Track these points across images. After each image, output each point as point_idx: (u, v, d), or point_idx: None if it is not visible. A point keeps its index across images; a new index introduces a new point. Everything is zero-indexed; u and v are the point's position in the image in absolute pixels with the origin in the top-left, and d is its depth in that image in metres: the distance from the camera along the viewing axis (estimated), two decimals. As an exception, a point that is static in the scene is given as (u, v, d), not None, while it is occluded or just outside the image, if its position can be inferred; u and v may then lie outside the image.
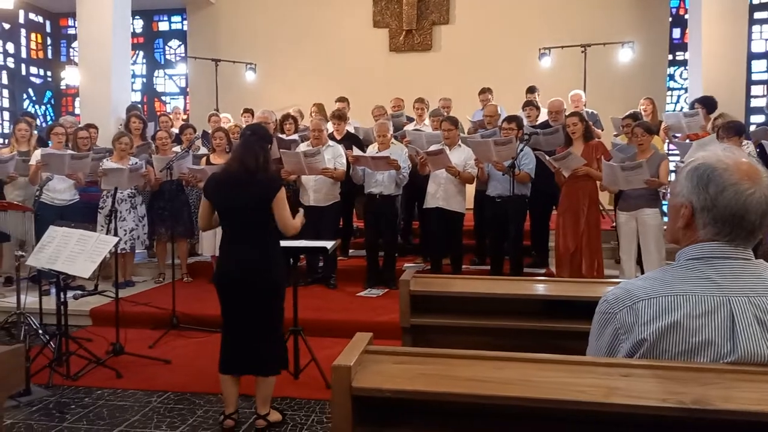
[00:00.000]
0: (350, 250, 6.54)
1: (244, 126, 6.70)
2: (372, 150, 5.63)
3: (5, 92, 9.90)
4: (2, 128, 9.39)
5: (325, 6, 9.56)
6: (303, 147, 5.58)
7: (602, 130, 6.29)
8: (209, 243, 5.78)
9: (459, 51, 9.18)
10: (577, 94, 6.66)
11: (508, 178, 4.92)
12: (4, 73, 9.90)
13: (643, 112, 6.13)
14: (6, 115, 9.83)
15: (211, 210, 3.12)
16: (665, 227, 4.93)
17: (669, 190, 3.94)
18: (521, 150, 4.88)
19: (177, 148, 6.19)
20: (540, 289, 2.59)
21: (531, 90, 6.95)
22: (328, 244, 3.93)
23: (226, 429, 3.07)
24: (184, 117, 8.68)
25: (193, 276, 6.09)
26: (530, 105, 6.16)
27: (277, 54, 9.57)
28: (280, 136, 5.99)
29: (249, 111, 7.12)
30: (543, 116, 6.37)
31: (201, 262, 6.23)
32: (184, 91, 10.71)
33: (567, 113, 5.58)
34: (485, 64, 8.74)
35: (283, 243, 4.08)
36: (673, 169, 5.72)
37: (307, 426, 3.15)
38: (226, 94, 9.12)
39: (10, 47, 10.01)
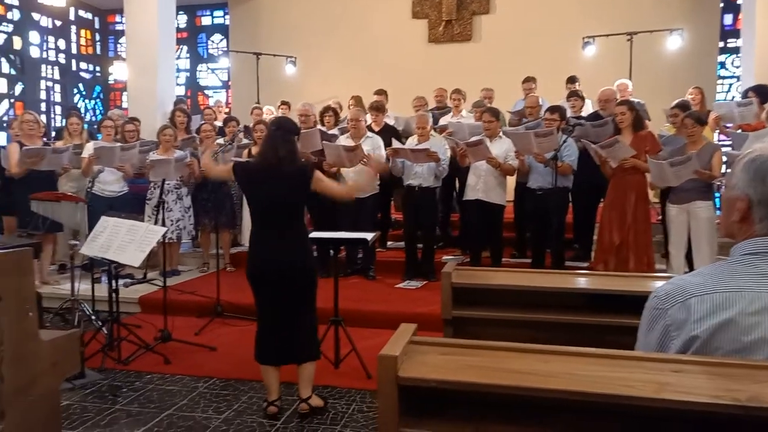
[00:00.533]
0: (388, 242, 6.57)
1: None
2: (411, 142, 5.62)
3: (57, 87, 10.29)
4: (54, 122, 9.76)
5: (365, -3, 9.58)
6: (343, 140, 5.62)
7: (649, 121, 6.11)
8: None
9: (499, 41, 9.06)
10: (624, 83, 6.47)
11: (549, 170, 4.85)
12: (56, 69, 10.28)
13: (691, 102, 5.93)
14: (58, 109, 10.22)
15: (228, 175, 3.30)
16: (718, 221, 4.79)
17: (724, 183, 3.82)
18: (564, 141, 4.79)
19: (220, 141, 6.34)
20: (584, 282, 2.56)
21: (571, 80, 6.79)
22: (369, 236, 3.95)
23: (270, 415, 3.15)
24: (226, 110, 8.86)
25: (236, 266, 6.23)
26: (575, 95, 6.02)
27: (317, 47, 9.65)
28: (321, 128, 6.04)
29: (286, 103, 7.21)
30: (588, 107, 6.24)
31: (243, 252, 6.35)
32: (226, 85, 10.92)
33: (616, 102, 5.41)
34: (526, 54, 8.59)
35: (323, 234, 4.15)
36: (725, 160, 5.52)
37: (348, 415, 3.19)
38: (267, 87, 9.24)
39: (62, 43, 10.39)
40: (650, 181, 4.79)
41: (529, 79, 6.87)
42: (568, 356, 1.38)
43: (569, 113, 5.65)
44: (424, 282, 5.52)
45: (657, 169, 4.55)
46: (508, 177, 5.38)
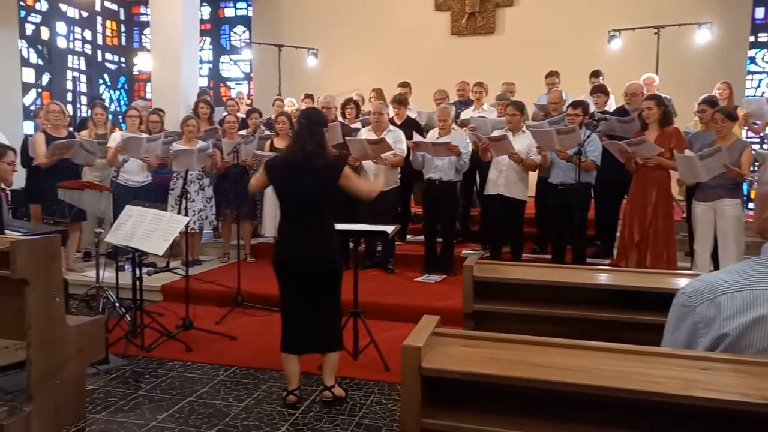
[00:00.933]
0: (408, 236, 6.57)
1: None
2: (432, 135, 5.59)
3: (83, 77, 10.45)
4: (80, 112, 9.92)
5: (388, -11, 9.55)
6: (365, 132, 5.62)
7: (676, 116, 6.01)
8: (271, 224, 5.96)
9: (523, 34, 8.97)
10: (650, 77, 6.35)
11: (571, 165, 4.79)
12: (82, 59, 10.44)
13: (719, 97, 5.80)
14: (83, 99, 10.38)
15: (266, 182, 3.24)
16: (746, 219, 4.70)
17: (755, 179, 3.73)
18: (588, 136, 4.72)
19: (242, 132, 6.39)
20: (606, 278, 2.53)
21: (596, 74, 6.67)
22: (389, 229, 3.96)
23: (289, 404, 3.18)
24: (248, 102, 8.92)
25: (256, 256, 6.29)
26: (599, 91, 5.87)
27: (339, 39, 9.65)
28: (342, 121, 6.05)
29: (309, 96, 7.23)
30: (611, 103, 6.14)
31: (263, 243, 6.41)
32: (248, 76, 10.98)
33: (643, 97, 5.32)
34: (550, 48, 8.49)
35: (344, 226, 4.16)
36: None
37: (367, 406, 3.21)
38: (289, 79, 9.27)
39: (88, 34, 10.53)
40: (678, 177, 4.70)
41: (552, 74, 6.79)
42: (592, 351, 1.37)
43: (592, 108, 5.57)
44: (443, 276, 5.51)
45: (686, 164, 4.46)
46: (530, 172, 5.34)
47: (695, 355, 1.25)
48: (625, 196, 5.24)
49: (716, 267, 4.65)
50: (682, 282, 2.31)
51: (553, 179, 5.13)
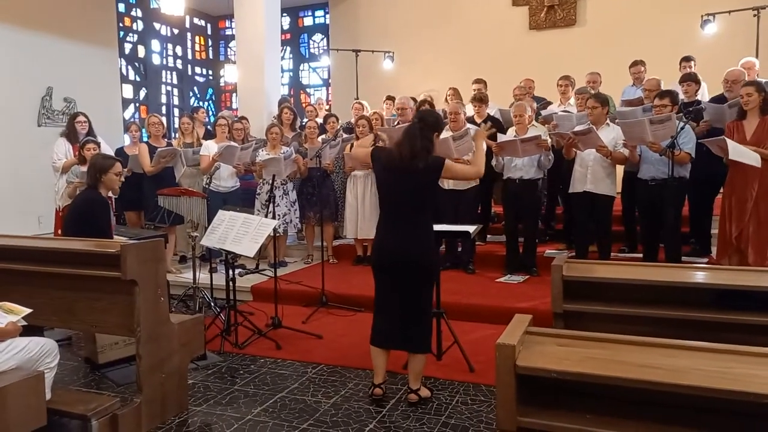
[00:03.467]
0: (488, 236, 6.49)
1: (384, 113, 6.94)
2: (510, 134, 5.50)
3: (175, 91, 11.12)
4: (174, 123, 10.56)
5: (463, -11, 9.49)
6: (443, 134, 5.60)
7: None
8: (352, 226, 6.09)
9: (606, 24, 8.63)
10: (750, 61, 5.89)
11: (663, 159, 4.54)
12: (174, 74, 11.11)
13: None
14: (176, 111, 11.05)
15: (369, 164, 3.30)
16: None
17: None
18: (681, 128, 4.46)
19: (323, 137, 6.57)
20: (708, 277, 2.39)
21: (686, 59, 6.23)
22: (471, 229, 3.93)
23: (376, 400, 3.26)
24: (327, 107, 9.14)
25: (338, 258, 6.44)
26: (688, 79, 5.40)
27: (414, 40, 9.70)
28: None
29: (391, 98, 7.31)
30: (703, 91, 5.75)
31: (345, 245, 6.55)
32: (326, 82, 11.26)
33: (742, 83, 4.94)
34: (636, 37, 8.11)
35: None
36: None
37: (452, 406, 3.21)
38: (366, 82, 9.42)
39: (179, 50, 11.20)
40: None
41: (637, 63, 6.45)
42: (694, 351, 1.31)
43: (681, 98, 5.23)
44: (526, 277, 5.40)
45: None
46: (617, 166, 5.12)
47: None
48: (721, 191, 4.91)
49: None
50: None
51: (643, 174, 4.89)
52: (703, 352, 1.32)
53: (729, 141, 4.16)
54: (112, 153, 5.68)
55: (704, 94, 5.80)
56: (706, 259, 5.27)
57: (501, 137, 5.33)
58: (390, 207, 3.22)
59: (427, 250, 3.14)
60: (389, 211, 3.23)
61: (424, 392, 3.27)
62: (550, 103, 6.70)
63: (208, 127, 7.40)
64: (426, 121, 3.18)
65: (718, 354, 1.30)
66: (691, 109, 4.68)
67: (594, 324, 2.29)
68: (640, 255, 5.21)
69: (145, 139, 6.41)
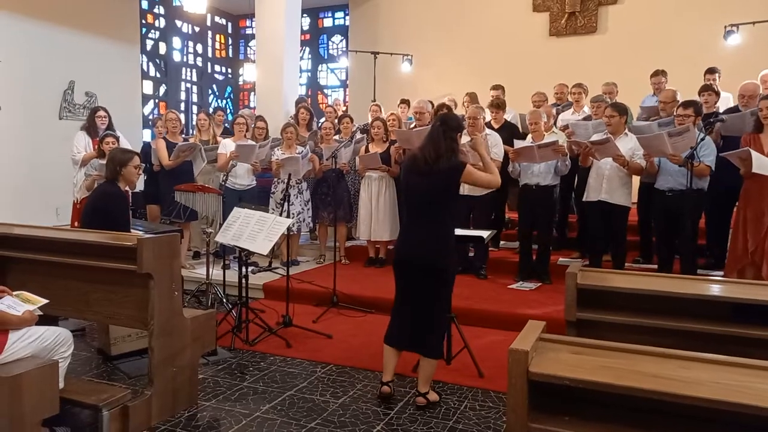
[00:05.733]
0: (501, 242, 6.47)
1: (400, 116, 6.95)
2: (527, 140, 5.48)
3: (194, 88, 11.23)
4: (192, 120, 10.66)
5: (484, -7, 9.49)
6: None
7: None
8: (365, 228, 6.10)
9: (628, 32, 8.57)
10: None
11: (682, 170, 4.49)
12: (194, 71, 11.22)
13: None
14: (194, 108, 11.15)
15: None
16: None
17: None
18: (702, 139, 4.41)
19: (336, 137, 6.59)
20: (724, 290, 2.36)
21: (711, 71, 6.19)
22: (485, 234, 3.92)
23: (383, 395, 3.27)
24: (343, 108, 9.17)
25: (350, 259, 6.45)
26: (708, 90, 5.36)
27: (433, 44, 9.70)
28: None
29: (405, 101, 7.31)
30: (728, 102, 5.68)
31: (357, 246, 6.56)
32: (344, 84, 11.29)
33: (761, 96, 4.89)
34: (658, 46, 8.05)
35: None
36: None
37: (461, 411, 3.20)
38: (383, 85, 9.43)
39: (199, 48, 11.31)
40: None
41: (658, 73, 6.39)
42: (710, 364, 1.30)
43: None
44: (539, 284, 5.37)
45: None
46: (633, 176, 5.08)
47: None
48: (736, 203, 4.84)
49: None
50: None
51: (660, 185, 4.84)
52: (718, 365, 1.30)
53: (754, 152, 4.10)
54: (130, 147, 5.75)
55: (728, 105, 5.73)
56: (721, 272, 5.20)
57: (518, 143, 5.31)
58: (412, 208, 3.26)
59: (443, 253, 3.15)
60: (411, 212, 3.27)
61: (433, 396, 3.27)
62: (570, 104, 6.65)
63: (226, 125, 7.46)
64: (448, 123, 3.21)
65: (735, 367, 1.28)
66: (711, 120, 4.62)
67: (607, 333, 2.27)
68: (655, 266, 5.16)
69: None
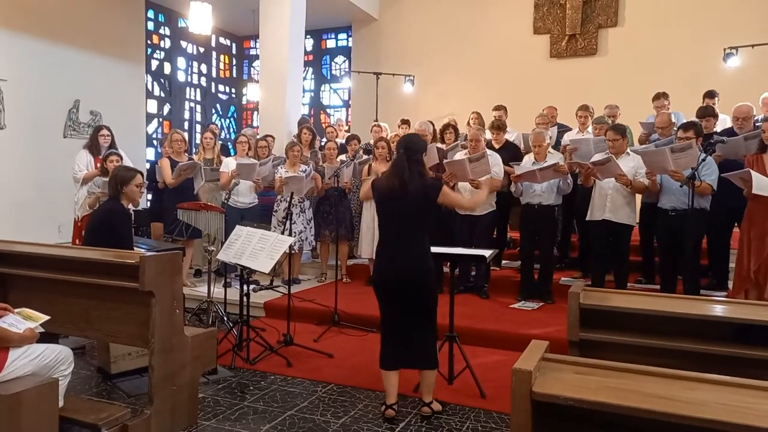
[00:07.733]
0: (503, 261, 6.46)
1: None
2: (528, 160, 5.51)
3: (198, 108, 11.31)
4: (196, 139, 10.72)
5: (485, 15, 9.61)
6: (461, 157, 5.62)
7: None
8: (367, 246, 6.09)
9: (628, 54, 8.66)
10: (768, 98, 5.88)
11: (684, 189, 4.49)
12: (198, 91, 11.32)
13: None
14: (198, 127, 11.22)
15: (371, 195, 3.37)
16: None
17: None
18: (703, 159, 4.43)
19: (342, 157, 6.63)
20: (728, 311, 2.34)
21: (710, 95, 6.24)
22: (486, 253, 3.92)
23: (388, 418, 3.26)
24: (346, 128, 9.23)
25: (352, 277, 6.43)
26: (707, 115, 5.32)
27: (435, 64, 9.80)
28: (439, 145, 6.10)
29: (406, 122, 7.37)
30: (726, 123, 5.72)
31: (358, 265, 6.56)
32: (346, 104, 11.38)
33: (760, 118, 4.92)
34: (658, 68, 8.13)
35: (441, 250, 4.16)
36: None
37: (462, 431, 3.16)
38: (385, 105, 9.51)
39: (204, 68, 11.42)
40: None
41: (660, 96, 6.42)
42: (714, 385, 1.29)
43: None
44: (541, 304, 5.35)
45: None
46: (636, 196, 5.09)
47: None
48: (736, 224, 4.85)
49: None
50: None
51: (663, 204, 4.85)
52: (723, 386, 1.29)
53: (754, 173, 4.12)
54: (133, 165, 5.78)
55: (725, 127, 5.76)
56: (724, 293, 5.18)
57: (519, 168, 5.33)
58: (388, 229, 3.31)
59: (419, 270, 3.20)
60: (387, 233, 3.32)
61: (437, 406, 3.34)
62: (569, 129, 6.70)
63: (220, 141, 7.48)
64: (410, 148, 3.28)
65: (740, 388, 1.27)
66: (712, 141, 4.64)
67: (610, 354, 2.25)
68: (657, 286, 5.14)
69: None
